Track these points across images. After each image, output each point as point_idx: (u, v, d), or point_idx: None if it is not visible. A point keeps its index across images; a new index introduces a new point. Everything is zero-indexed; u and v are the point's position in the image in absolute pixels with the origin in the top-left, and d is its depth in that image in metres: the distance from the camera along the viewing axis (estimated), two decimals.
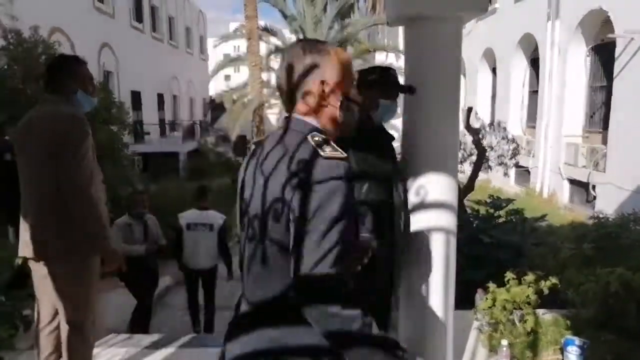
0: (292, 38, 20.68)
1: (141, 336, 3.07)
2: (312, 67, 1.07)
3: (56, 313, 2.04)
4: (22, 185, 2.00)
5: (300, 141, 1.03)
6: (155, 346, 2.80)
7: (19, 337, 2.78)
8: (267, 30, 19.60)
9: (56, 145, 1.88)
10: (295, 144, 1.03)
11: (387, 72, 1.95)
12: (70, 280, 1.97)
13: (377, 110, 1.90)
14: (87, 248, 1.96)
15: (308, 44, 1.11)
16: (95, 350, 2.24)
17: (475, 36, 13.01)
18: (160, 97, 18.82)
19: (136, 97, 15.86)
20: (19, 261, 3.14)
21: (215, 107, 23.82)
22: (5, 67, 6.53)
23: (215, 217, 4.25)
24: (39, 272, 2.01)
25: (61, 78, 1.98)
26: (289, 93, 1.10)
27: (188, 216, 4.20)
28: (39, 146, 1.91)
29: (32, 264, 2.03)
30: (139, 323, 3.95)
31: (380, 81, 1.91)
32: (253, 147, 1.20)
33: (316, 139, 1.02)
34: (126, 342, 2.88)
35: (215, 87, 25.39)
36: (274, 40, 20.39)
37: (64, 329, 1.99)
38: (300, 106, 1.09)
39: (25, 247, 1.99)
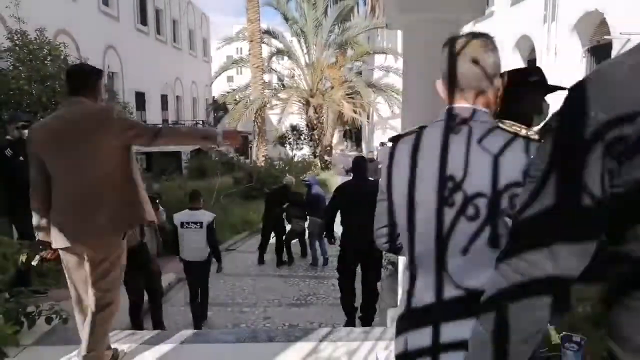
0: (293, 41, 20.80)
1: (144, 332, 3.07)
2: (497, 62, 1.11)
3: None
4: (61, 179, 2.13)
5: (491, 131, 1.07)
6: (157, 342, 2.79)
7: (23, 333, 2.78)
8: (269, 33, 19.71)
9: (120, 131, 2.10)
10: (485, 133, 1.06)
11: (543, 72, 1.78)
12: (109, 261, 2.19)
13: (542, 113, 1.74)
14: (127, 223, 2.24)
15: (488, 39, 1.11)
16: None
17: None
18: (164, 97, 18.91)
19: (140, 97, 15.97)
20: (22, 259, 3.20)
21: (218, 108, 23.89)
22: (11, 68, 6.60)
23: (205, 216, 4.69)
24: (72, 261, 2.22)
25: (87, 85, 2.21)
26: (476, 86, 1.10)
27: (181, 216, 4.71)
28: (95, 137, 2.08)
29: (64, 254, 2.21)
30: (137, 323, 4.01)
31: (543, 82, 1.76)
32: (390, 144, 1.26)
33: (523, 132, 1.04)
34: (129, 338, 2.86)
35: (218, 88, 25.45)
36: (276, 43, 20.50)
37: (92, 308, 2.19)
38: (481, 99, 1.12)
39: (60, 238, 2.14)
